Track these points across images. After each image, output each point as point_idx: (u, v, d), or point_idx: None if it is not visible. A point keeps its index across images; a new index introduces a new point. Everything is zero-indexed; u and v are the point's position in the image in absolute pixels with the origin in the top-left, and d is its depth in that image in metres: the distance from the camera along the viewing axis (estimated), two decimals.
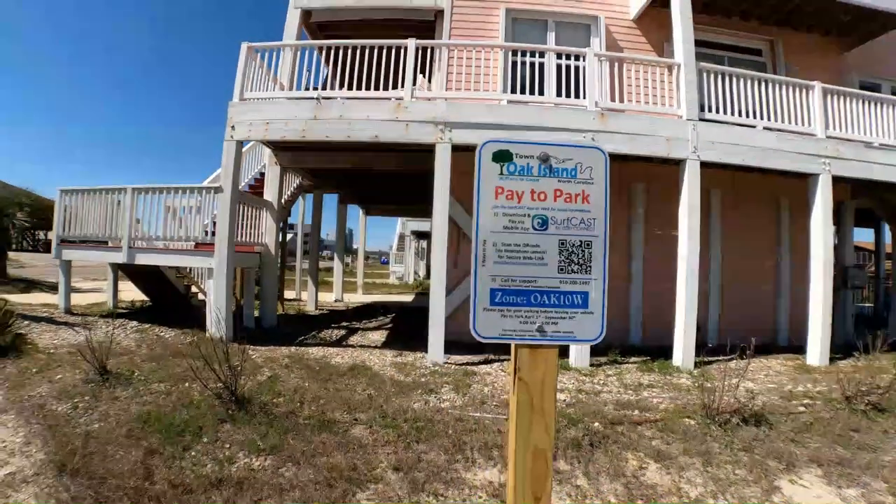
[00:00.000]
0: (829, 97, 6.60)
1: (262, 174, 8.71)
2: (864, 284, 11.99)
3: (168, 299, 7.86)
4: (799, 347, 6.69)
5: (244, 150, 7.23)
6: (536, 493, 1.02)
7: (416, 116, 5.70)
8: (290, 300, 10.98)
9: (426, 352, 5.64)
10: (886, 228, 12.01)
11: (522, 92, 6.11)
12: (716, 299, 7.44)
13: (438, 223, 5.67)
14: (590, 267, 1.05)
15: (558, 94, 6.11)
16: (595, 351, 5.81)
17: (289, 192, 8.88)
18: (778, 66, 8.12)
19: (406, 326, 8.02)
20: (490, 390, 4.55)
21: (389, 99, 5.83)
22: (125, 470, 2.62)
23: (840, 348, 6.65)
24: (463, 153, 5.89)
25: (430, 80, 7.44)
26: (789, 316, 7.65)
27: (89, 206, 6.86)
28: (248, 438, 3.10)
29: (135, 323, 6.64)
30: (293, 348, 5.89)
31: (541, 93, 6.09)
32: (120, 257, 6.44)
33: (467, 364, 5.47)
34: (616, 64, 6.31)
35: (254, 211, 7.00)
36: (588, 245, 1.06)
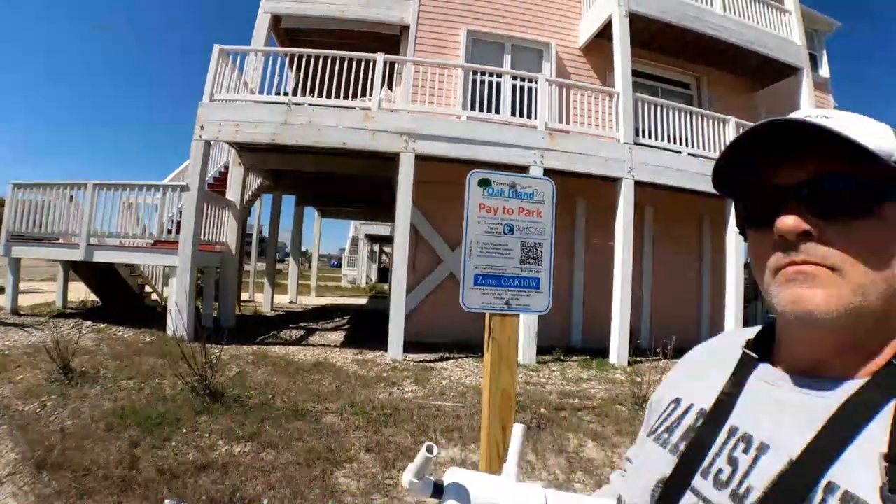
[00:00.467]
0: (740, 130, 7.61)
1: (222, 173, 8.71)
2: None
3: (120, 299, 7.68)
4: None
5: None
6: (504, 422, 1.44)
7: (383, 126, 6.05)
8: (244, 301, 10.90)
9: (385, 350, 5.95)
10: None
11: (481, 109, 6.59)
12: (647, 305, 8.25)
13: (400, 228, 6.01)
14: (541, 260, 1.52)
15: (513, 112, 6.66)
16: (540, 350, 6.37)
17: (250, 193, 8.93)
18: (703, 100, 9.20)
19: (363, 328, 8.28)
20: (448, 383, 4.96)
21: (356, 108, 6.16)
22: (110, 461, 2.69)
23: None
24: (424, 162, 6.32)
25: (393, 91, 7.83)
26: (710, 320, 8.61)
27: (44, 201, 6.64)
28: (226, 427, 3.28)
29: (89, 323, 6.49)
30: (255, 347, 6.03)
31: (497, 111, 6.62)
32: (77, 254, 6.27)
33: (425, 361, 5.83)
34: (564, 89, 6.99)
35: (217, 210, 7.03)
36: (540, 245, 1.53)
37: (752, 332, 0.59)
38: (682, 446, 0.53)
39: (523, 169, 6.16)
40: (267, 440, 3.15)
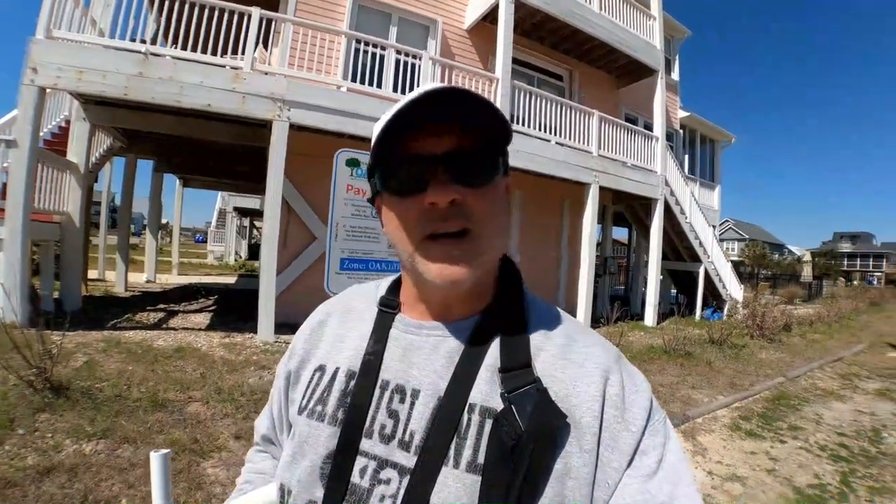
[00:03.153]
0: (603, 123, 8.51)
1: (63, 128, 7.28)
2: (618, 272, 15.54)
3: None
4: None
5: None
6: None
7: (255, 90, 5.54)
8: (93, 280, 9.39)
9: (255, 332, 5.61)
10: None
11: (362, 81, 6.35)
12: None
13: (271, 202, 5.56)
14: None
15: (395, 89, 6.53)
16: None
17: (98, 154, 7.60)
18: (574, 92, 10.04)
19: (231, 309, 7.69)
20: None
21: (226, 67, 5.55)
22: None
23: (597, 319, 8.76)
24: (299, 133, 5.97)
25: (269, 52, 7.19)
26: (566, 294, 9.64)
27: None
28: (73, 425, 2.91)
29: None
30: (106, 332, 5.28)
31: (379, 85, 6.43)
32: None
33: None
34: (447, 69, 7.08)
35: (55, 173, 5.81)
36: None
37: (382, 287, 0.65)
38: (340, 414, 0.54)
39: None
40: (123, 435, 2.86)
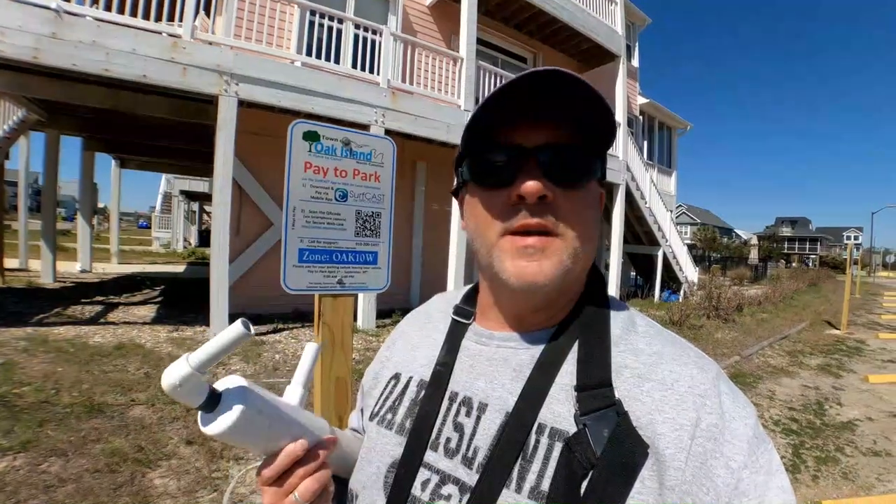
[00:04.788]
0: None
1: None
2: None
3: None
4: None
5: None
6: (339, 413, 1.28)
7: (197, 61, 5.02)
8: (12, 270, 8.51)
9: (207, 325, 5.22)
10: None
11: (318, 56, 5.96)
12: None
13: (220, 186, 5.10)
14: (379, 232, 1.34)
15: (354, 65, 6.19)
16: (381, 314, 6.38)
17: (6, 128, 6.79)
18: None
19: (180, 300, 7.20)
20: (282, 357, 4.62)
21: (162, 34, 5.00)
22: None
23: None
24: (250, 110, 5.54)
25: (212, 20, 6.60)
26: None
27: None
28: None
29: None
30: (30, 329, 4.77)
31: (336, 60, 6.06)
32: None
33: (255, 335, 5.33)
34: (409, 47, 6.76)
35: None
36: (378, 215, 1.34)
37: (459, 294, 0.63)
38: (408, 424, 0.53)
39: (364, 127, 5.83)
40: (50, 447, 2.55)
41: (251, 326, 0.43)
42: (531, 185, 0.45)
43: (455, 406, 0.51)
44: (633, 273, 13.82)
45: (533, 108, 0.46)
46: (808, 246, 71.09)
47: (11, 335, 4.44)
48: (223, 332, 0.42)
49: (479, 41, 7.63)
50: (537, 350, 0.50)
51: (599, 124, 0.48)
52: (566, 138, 0.47)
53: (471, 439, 0.48)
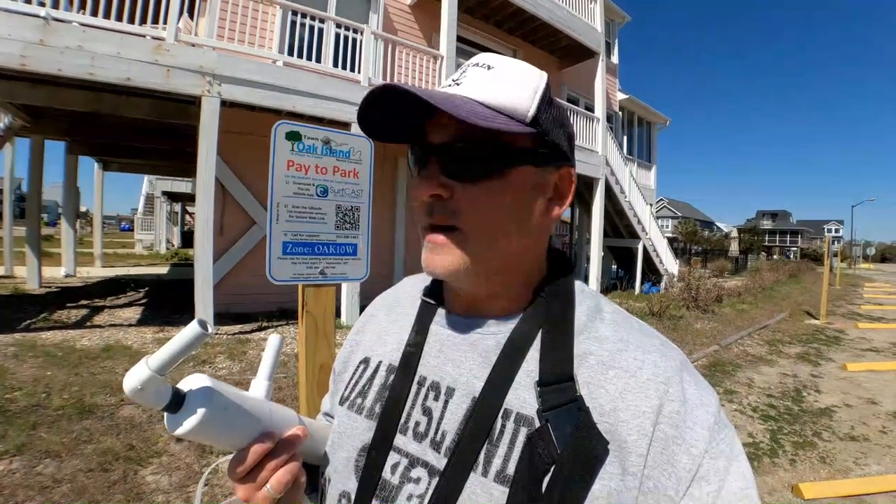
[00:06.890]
0: None
1: None
2: (561, 248, 15.94)
3: None
4: None
5: None
6: (323, 398, 1.37)
7: (181, 63, 5.04)
8: None
9: None
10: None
11: (300, 56, 5.98)
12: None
13: (203, 185, 5.12)
14: (359, 225, 1.43)
15: (335, 63, 6.23)
16: (364, 309, 6.41)
17: None
18: None
19: (164, 301, 7.18)
20: None
21: (146, 37, 5.01)
22: None
23: None
24: (232, 109, 5.55)
25: (195, 22, 6.59)
26: None
27: None
28: None
29: None
30: (18, 335, 4.76)
31: (318, 60, 6.10)
32: None
33: (240, 333, 5.38)
34: (390, 45, 6.82)
35: None
36: (357, 209, 1.44)
37: (428, 278, 0.60)
38: (378, 409, 0.53)
39: (345, 125, 5.88)
40: (43, 449, 2.59)
41: (208, 326, 0.43)
42: (424, 185, 0.47)
43: (424, 390, 0.52)
44: (614, 266, 14.04)
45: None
46: (789, 238, 72.48)
47: (0, 342, 4.44)
48: (180, 332, 0.42)
49: (460, 39, 7.72)
50: (503, 336, 0.50)
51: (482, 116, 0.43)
52: (468, 133, 0.45)
53: (439, 423, 0.49)
